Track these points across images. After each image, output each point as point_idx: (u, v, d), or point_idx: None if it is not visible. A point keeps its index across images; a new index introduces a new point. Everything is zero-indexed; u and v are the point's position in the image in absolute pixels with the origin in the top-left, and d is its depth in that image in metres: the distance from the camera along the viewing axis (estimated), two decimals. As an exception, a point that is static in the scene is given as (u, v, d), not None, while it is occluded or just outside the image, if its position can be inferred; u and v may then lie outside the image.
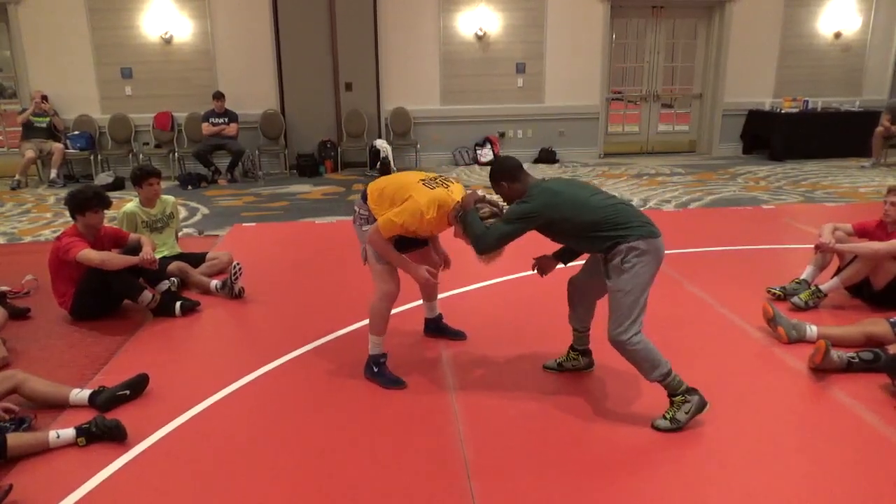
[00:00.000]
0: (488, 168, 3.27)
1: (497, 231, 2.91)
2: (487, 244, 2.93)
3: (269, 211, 7.21)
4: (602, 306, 3.28)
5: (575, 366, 3.42)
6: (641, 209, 6.70)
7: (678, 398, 2.88)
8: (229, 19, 9.03)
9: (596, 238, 2.85)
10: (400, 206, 3.07)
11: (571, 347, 3.42)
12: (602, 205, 2.87)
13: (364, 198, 3.29)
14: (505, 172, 3.03)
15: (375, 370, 3.33)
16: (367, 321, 4.06)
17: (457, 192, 3.15)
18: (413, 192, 3.09)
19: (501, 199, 3.12)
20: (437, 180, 3.19)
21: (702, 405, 2.90)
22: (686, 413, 2.87)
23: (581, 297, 3.24)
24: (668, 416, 2.89)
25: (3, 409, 2.92)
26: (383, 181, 3.29)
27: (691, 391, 2.89)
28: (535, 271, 3.29)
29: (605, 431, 2.91)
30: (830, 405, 3.12)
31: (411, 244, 3.42)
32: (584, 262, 3.23)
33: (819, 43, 10.23)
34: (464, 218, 3.00)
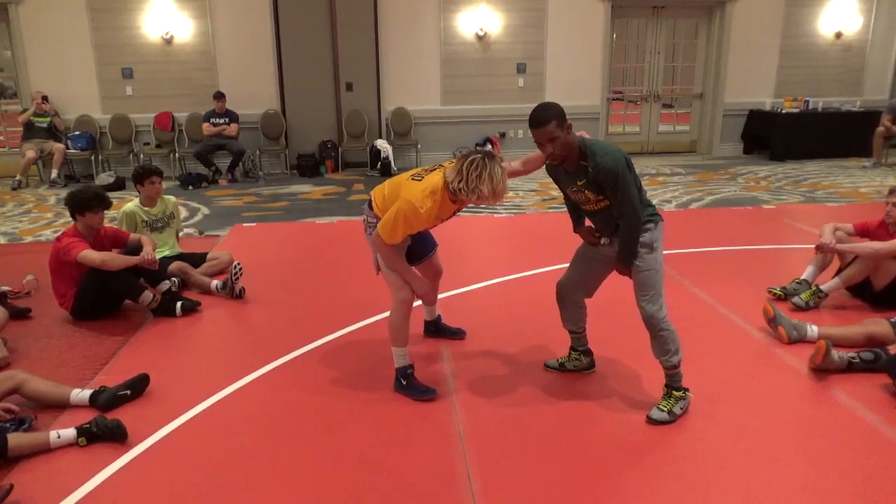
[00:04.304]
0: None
1: (629, 198, 2.73)
2: (638, 213, 2.77)
3: (269, 211, 7.22)
4: (595, 306, 3.29)
5: (577, 366, 3.42)
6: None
7: (679, 392, 2.96)
8: (230, 19, 9.03)
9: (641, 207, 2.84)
10: (392, 209, 2.96)
11: (572, 348, 3.42)
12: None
13: (370, 205, 3.21)
14: (564, 116, 2.69)
15: (404, 383, 3.22)
16: (367, 321, 4.10)
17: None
18: (402, 191, 2.98)
19: (549, 156, 2.83)
20: (430, 168, 3.06)
21: (689, 405, 3.02)
22: (681, 409, 2.95)
23: (572, 297, 3.22)
24: (665, 409, 2.93)
25: (3, 410, 2.93)
26: (384, 186, 3.19)
27: (687, 389, 2.99)
28: (591, 244, 3.13)
29: (606, 431, 2.90)
30: (831, 405, 3.12)
31: (419, 254, 3.41)
32: (569, 264, 3.23)
33: (820, 43, 10.22)
34: (632, 259, 2.83)
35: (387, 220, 2.97)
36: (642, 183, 2.91)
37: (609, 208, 2.86)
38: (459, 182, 2.80)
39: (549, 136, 2.69)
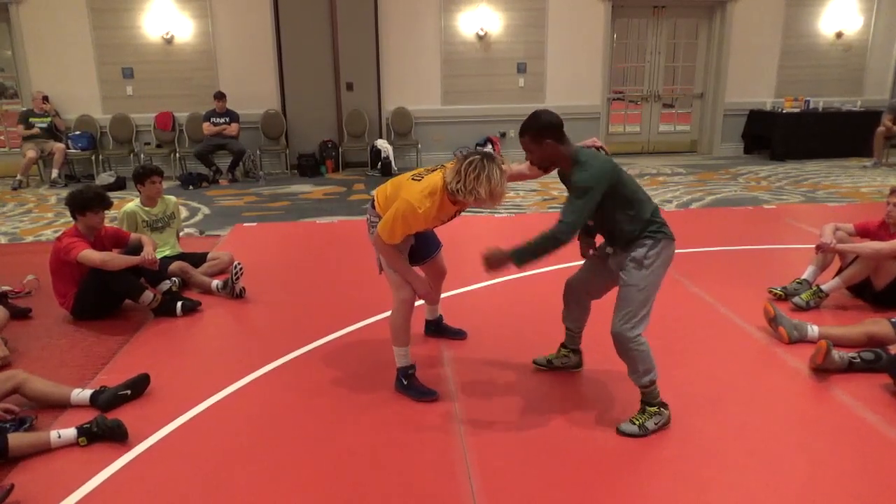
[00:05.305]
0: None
1: (577, 210, 2.66)
2: (573, 227, 2.67)
3: (270, 211, 7.22)
4: (596, 308, 3.28)
5: (565, 363, 3.41)
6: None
7: (653, 408, 2.88)
8: (230, 19, 9.03)
9: (632, 222, 2.77)
10: (391, 209, 2.97)
11: (563, 345, 3.41)
12: (645, 193, 2.84)
13: (373, 205, 3.22)
14: (554, 128, 2.73)
15: (405, 383, 3.22)
16: (368, 321, 4.10)
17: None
18: (402, 192, 2.99)
19: (526, 160, 2.90)
20: (431, 169, 3.07)
21: (668, 422, 2.91)
22: (655, 424, 2.86)
23: (578, 297, 3.22)
24: (636, 422, 2.86)
25: (4, 410, 2.93)
26: (386, 185, 3.20)
27: (664, 405, 2.90)
28: (585, 257, 3.18)
29: (607, 431, 2.90)
30: (832, 405, 3.11)
31: (423, 255, 3.41)
32: (582, 261, 3.22)
33: (820, 43, 10.22)
34: (523, 259, 2.72)
35: (386, 220, 2.98)
36: (647, 194, 2.85)
37: (601, 217, 2.83)
38: (457, 183, 2.79)
39: (525, 147, 2.81)
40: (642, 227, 2.79)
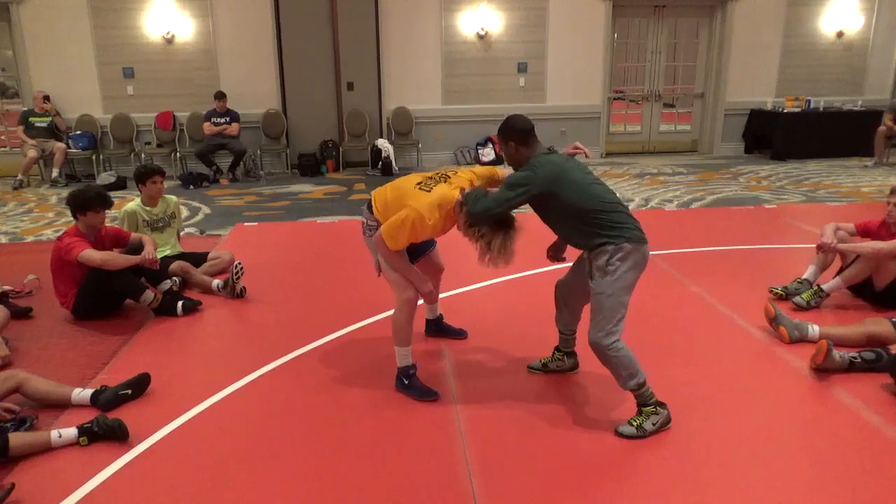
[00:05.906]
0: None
1: (495, 196, 2.82)
2: (483, 206, 2.83)
3: (270, 210, 7.22)
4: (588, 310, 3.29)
5: (559, 367, 3.41)
6: (643, 209, 6.73)
7: (648, 408, 2.86)
8: (231, 19, 9.03)
9: (585, 229, 2.79)
10: (398, 216, 2.97)
11: (557, 348, 3.41)
12: (602, 197, 2.81)
13: (370, 207, 3.22)
14: (516, 132, 2.91)
15: (406, 383, 3.23)
16: (368, 321, 4.11)
17: (459, 181, 3.07)
18: (410, 200, 2.98)
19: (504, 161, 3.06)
20: (436, 177, 3.09)
21: (668, 420, 2.89)
22: (653, 424, 2.85)
23: (567, 299, 3.22)
24: (634, 424, 2.85)
25: (5, 409, 2.93)
26: (386, 189, 3.19)
27: (661, 404, 2.88)
28: (553, 260, 3.26)
29: (607, 431, 2.90)
30: (832, 405, 3.11)
31: (417, 252, 3.41)
32: (571, 263, 3.21)
33: (821, 42, 10.21)
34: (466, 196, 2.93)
35: (392, 228, 2.97)
36: (614, 200, 2.85)
37: (551, 223, 2.96)
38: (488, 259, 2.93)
39: (500, 147, 2.96)
40: (595, 236, 2.78)
